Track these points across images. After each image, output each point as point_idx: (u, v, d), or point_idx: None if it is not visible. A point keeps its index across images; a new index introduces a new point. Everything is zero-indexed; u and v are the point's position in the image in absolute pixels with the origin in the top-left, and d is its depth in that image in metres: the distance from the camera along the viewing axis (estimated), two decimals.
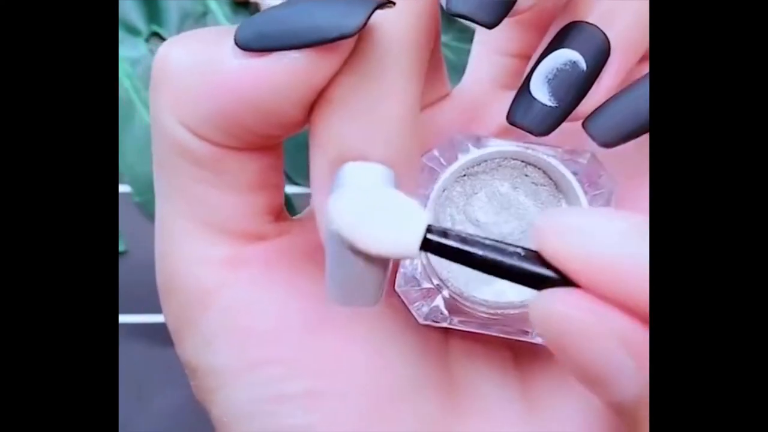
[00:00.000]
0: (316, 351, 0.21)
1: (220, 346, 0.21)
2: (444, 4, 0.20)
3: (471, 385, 0.23)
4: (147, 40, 0.45)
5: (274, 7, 0.19)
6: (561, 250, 0.17)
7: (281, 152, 0.22)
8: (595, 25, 0.21)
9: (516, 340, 0.23)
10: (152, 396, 0.40)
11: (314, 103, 0.19)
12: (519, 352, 0.23)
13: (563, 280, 0.17)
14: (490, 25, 0.20)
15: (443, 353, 0.23)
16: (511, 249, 0.18)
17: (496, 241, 0.18)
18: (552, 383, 0.23)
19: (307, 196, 0.22)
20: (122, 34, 0.44)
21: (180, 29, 0.45)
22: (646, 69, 0.22)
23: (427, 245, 0.18)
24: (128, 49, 0.44)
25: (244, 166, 0.21)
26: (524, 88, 0.21)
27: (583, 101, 0.21)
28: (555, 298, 0.17)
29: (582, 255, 0.17)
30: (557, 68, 0.21)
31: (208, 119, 0.20)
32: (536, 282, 0.17)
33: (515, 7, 0.20)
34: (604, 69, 0.21)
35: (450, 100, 0.25)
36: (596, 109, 0.21)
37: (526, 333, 0.23)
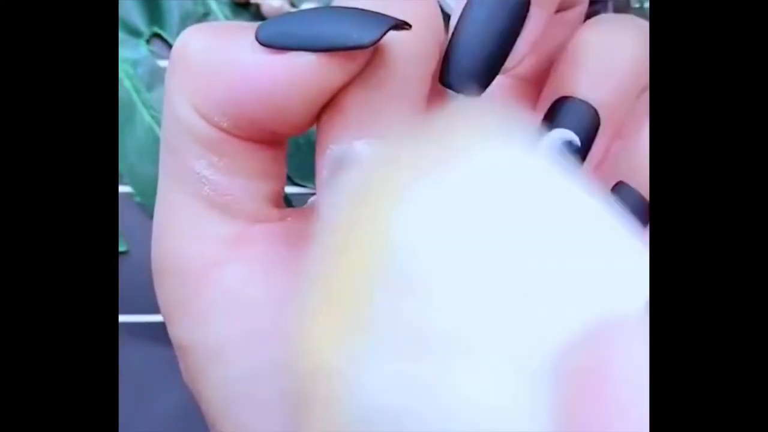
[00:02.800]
0: None
1: (217, 320, 0.22)
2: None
3: None
4: (148, 41, 0.45)
5: (299, 11, 0.20)
6: None
7: (285, 145, 0.23)
8: (585, 102, 0.22)
9: None
10: (152, 396, 0.40)
11: (324, 109, 0.20)
12: None
13: None
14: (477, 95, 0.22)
15: None
16: None
17: None
18: None
19: (308, 196, 0.23)
20: (123, 35, 0.44)
21: (181, 30, 0.45)
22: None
23: None
24: (129, 50, 0.44)
25: (249, 154, 0.21)
26: None
27: None
28: None
29: None
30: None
31: (219, 107, 0.20)
32: None
33: (502, 69, 0.22)
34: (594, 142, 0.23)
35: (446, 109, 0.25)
36: None
37: None
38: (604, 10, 0.42)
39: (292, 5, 0.45)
